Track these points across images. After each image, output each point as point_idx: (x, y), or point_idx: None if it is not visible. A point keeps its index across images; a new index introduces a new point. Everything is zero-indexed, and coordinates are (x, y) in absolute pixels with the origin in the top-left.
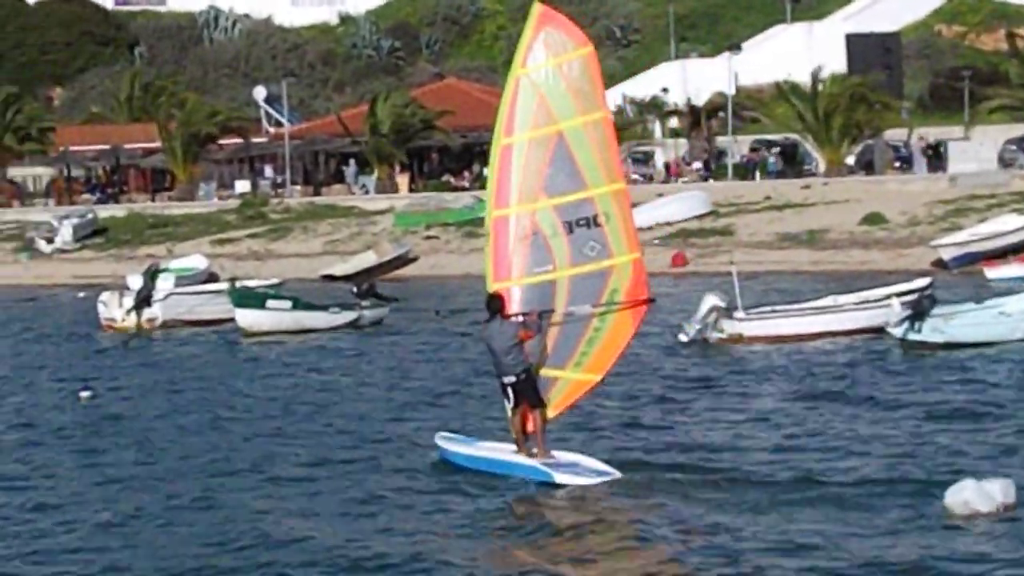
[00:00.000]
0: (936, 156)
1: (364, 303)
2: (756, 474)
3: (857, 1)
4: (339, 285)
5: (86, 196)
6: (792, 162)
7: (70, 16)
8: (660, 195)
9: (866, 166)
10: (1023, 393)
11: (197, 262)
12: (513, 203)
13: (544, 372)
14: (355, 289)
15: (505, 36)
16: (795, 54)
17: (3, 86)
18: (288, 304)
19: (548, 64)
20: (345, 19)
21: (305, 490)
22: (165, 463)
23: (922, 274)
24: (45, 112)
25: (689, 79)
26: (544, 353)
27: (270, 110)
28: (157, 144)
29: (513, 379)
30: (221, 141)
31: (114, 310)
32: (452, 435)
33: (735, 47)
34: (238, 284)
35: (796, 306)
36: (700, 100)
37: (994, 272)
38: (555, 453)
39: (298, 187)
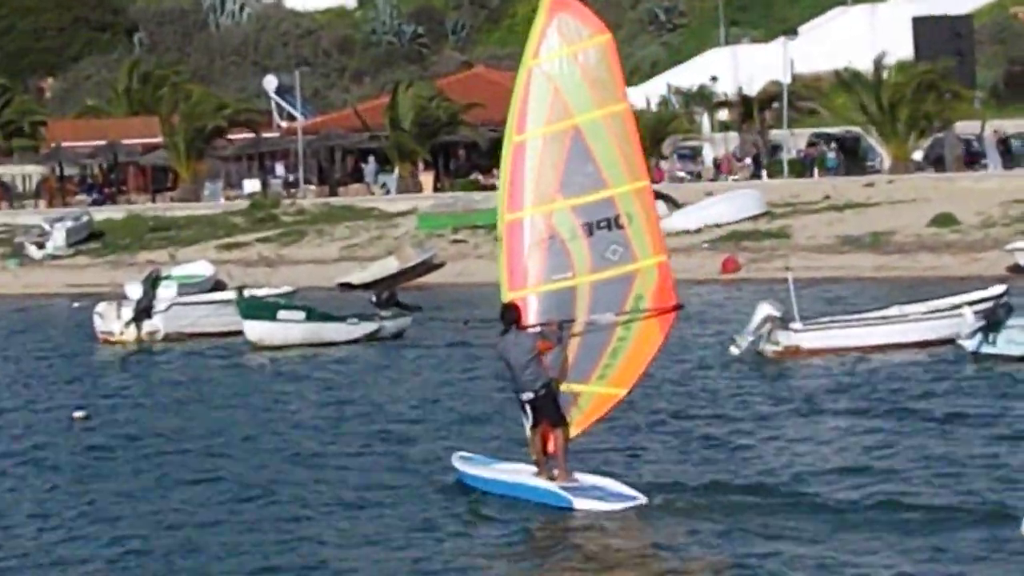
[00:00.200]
0: (1008, 150)
1: (384, 313)
2: (817, 498)
3: None
4: (357, 294)
5: (81, 197)
6: (854, 157)
7: None
8: (709, 194)
9: (935, 162)
10: None
11: (202, 269)
12: (527, 205)
13: (565, 387)
14: (375, 298)
15: None
16: (857, 39)
17: None
18: (301, 315)
19: (562, 53)
20: (364, 2)
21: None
22: (167, 489)
23: (997, 280)
24: (36, 105)
25: (740, 67)
26: (565, 366)
27: (282, 102)
28: (158, 139)
29: (532, 395)
30: (229, 136)
31: (111, 322)
32: (469, 456)
33: (791, 32)
34: (247, 293)
35: (858, 316)
36: (752, 90)
37: None
38: (577, 475)
39: (312, 187)
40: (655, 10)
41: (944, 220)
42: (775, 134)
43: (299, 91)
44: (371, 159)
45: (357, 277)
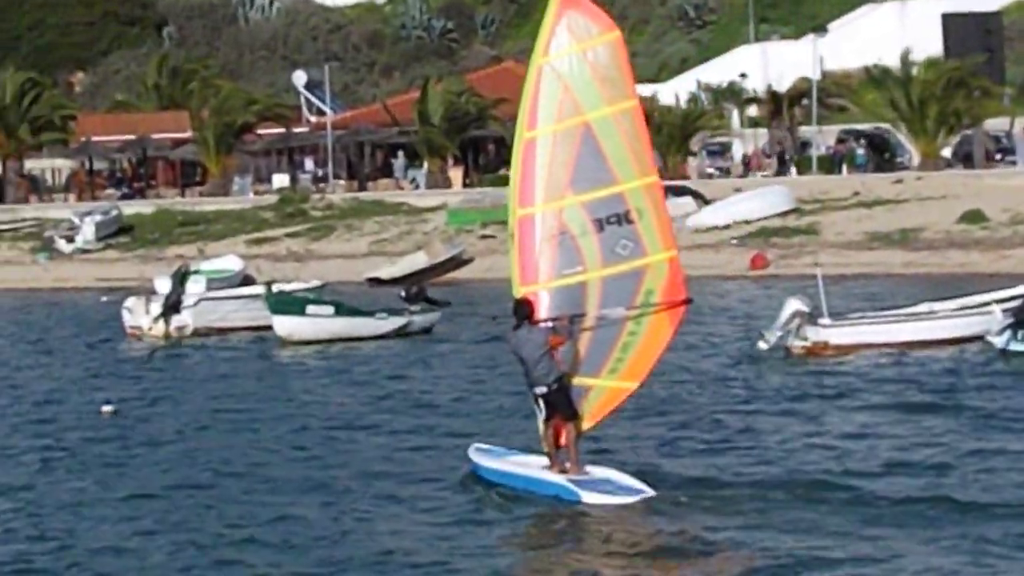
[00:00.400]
0: None
1: (413, 308)
2: (847, 493)
3: None
4: (386, 289)
5: (110, 191)
6: (883, 154)
7: None
8: (738, 190)
9: (964, 159)
10: None
11: (231, 264)
12: (538, 201)
13: (577, 381)
14: (404, 293)
15: None
16: (886, 36)
17: (19, 71)
18: (330, 310)
19: (572, 51)
20: None
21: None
22: (202, 484)
23: None
24: (65, 99)
25: (770, 63)
26: (576, 360)
27: (311, 97)
28: (187, 134)
29: (545, 390)
30: (258, 131)
31: (140, 317)
32: (487, 448)
33: (820, 28)
34: (276, 288)
35: (887, 313)
36: (782, 86)
37: None
38: (589, 468)
39: (342, 181)
40: (685, 7)
41: (973, 217)
42: (804, 130)
43: (328, 86)
44: (400, 154)
45: (386, 272)
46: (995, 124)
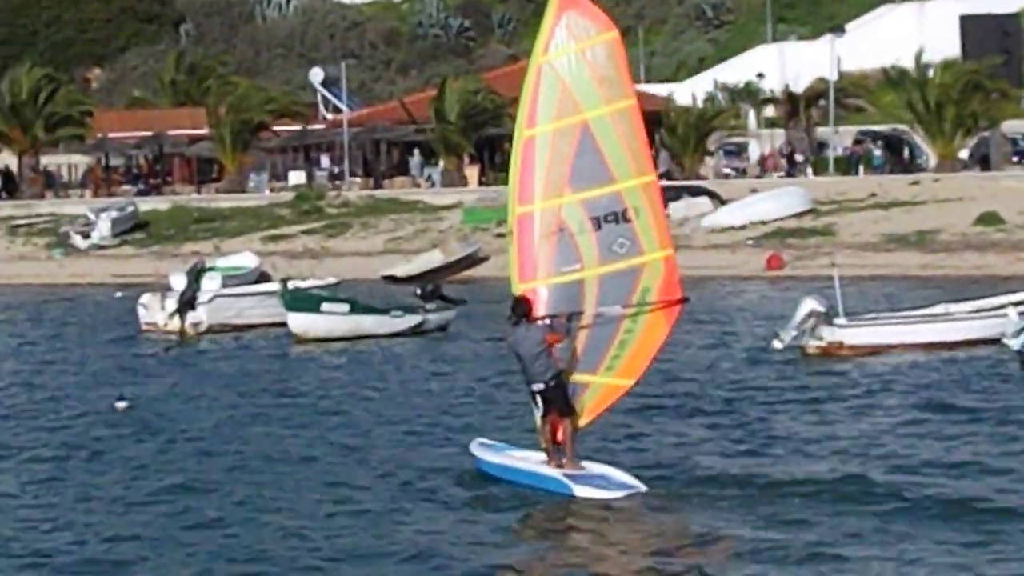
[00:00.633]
0: None
1: (429, 306)
2: (856, 492)
3: None
4: (402, 287)
5: (126, 187)
6: (900, 155)
7: None
8: (754, 191)
9: (981, 160)
10: None
11: (247, 260)
12: (537, 199)
13: (575, 377)
14: (419, 291)
15: None
16: (904, 37)
17: (36, 67)
18: (345, 307)
19: (570, 50)
20: None
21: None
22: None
23: None
24: (82, 95)
25: (787, 64)
26: (574, 357)
27: (327, 94)
28: (204, 131)
29: (542, 386)
30: (274, 128)
31: (155, 313)
32: (489, 443)
33: (838, 29)
34: (291, 285)
35: (903, 314)
36: (799, 87)
37: None
38: (585, 464)
39: (357, 179)
40: (702, 6)
41: (990, 219)
42: (821, 131)
43: (345, 83)
44: (416, 152)
45: (402, 270)
46: (1012, 126)
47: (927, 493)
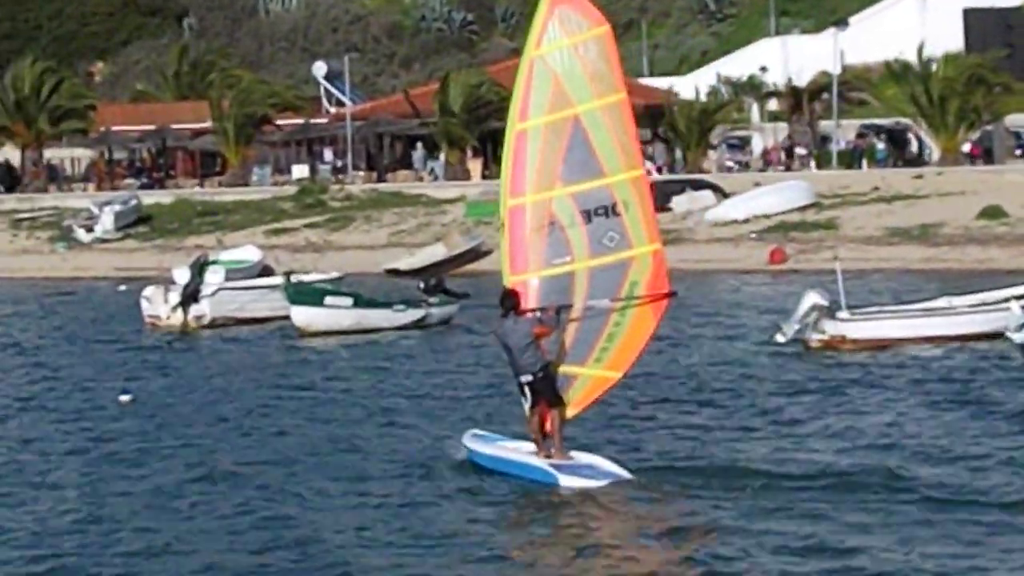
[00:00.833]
0: None
1: (432, 300)
2: (859, 485)
3: None
4: (405, 280)
5: (129, 181)
6: (903, 148)
7: None
8: (757, 184)
9: (984, 154)
10: None
11: (250, 254)
12: (529, 191)
13: (563, 369)
14: (422, 285)
15: None
16: (907, 30)
17: (38, 60)
18: (348, 301)
19: (562, 45)
20: None
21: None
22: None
23: None
24: (85, 89)
25: (790, 57)
26: (563, 350)
27: (331, 88)
28: (207, 124)
29: (530, 378)
30: (277, 122)
31: (159, 306)
32: (481, 433)
33: (841, 22)
34: (294, 278)
35: (906, 307)
36: (802, 80)
37: None
38: (574, 454)
39: (361, 172)
40: (705, 0)
41: (992, 213)
42: (824, 125)
43: (348, 77)
44: (419, 145)
45: (405, 263)
46: (1016, 120)
47: (930, 485)
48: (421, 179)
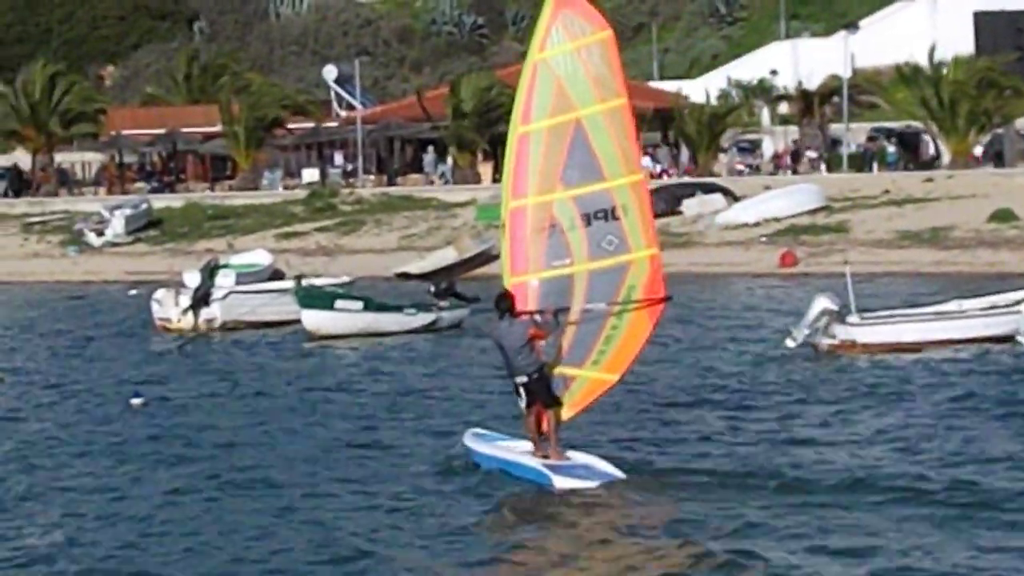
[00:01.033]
0: None
1: (442, 304)
2: (869, 489)
3: None
4: (415, 284)
5: (140, 185)
6: (914, 151)
7: None
8: (768, 188)
9: (995, 157)
10: None
11: (260, 258)
12: (530, 194)
13: (561, 370)
14: (433, 288)
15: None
16: (918, 34)
17: (49, 64)
18: (359, 304)
19: (566, 49)
20: None
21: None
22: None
23: None
24: (95, 92)
25: (801, 60)
26: (560, 351)
27: (341, 92)
28: (217, 128)
29: (525, 379)
30: (288, 125)
31: (169, 309)
32: (481, 432)
33: (852, 26)
34: (304, 282)
35: (916, 311)
36: (812, 84)
37: None
38: (570, 454)
39: (371, 176)
40: (716, 3)
41: (1003, 216)
42: (834, 128)
43: (358, 81)
44: (430, 149)
45: (415, 267)
46: None
47: (942, 488)
48: (432, 183)
